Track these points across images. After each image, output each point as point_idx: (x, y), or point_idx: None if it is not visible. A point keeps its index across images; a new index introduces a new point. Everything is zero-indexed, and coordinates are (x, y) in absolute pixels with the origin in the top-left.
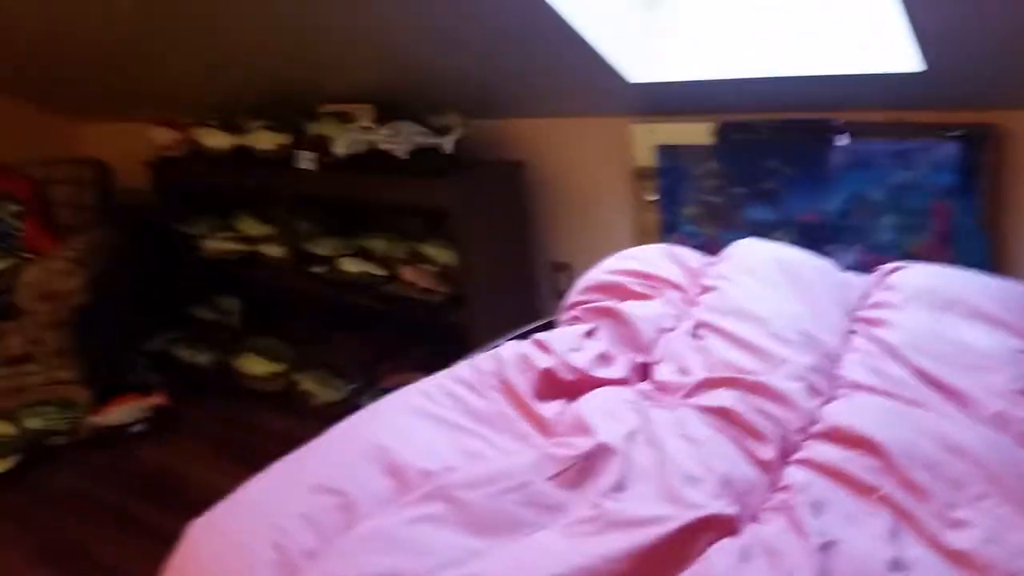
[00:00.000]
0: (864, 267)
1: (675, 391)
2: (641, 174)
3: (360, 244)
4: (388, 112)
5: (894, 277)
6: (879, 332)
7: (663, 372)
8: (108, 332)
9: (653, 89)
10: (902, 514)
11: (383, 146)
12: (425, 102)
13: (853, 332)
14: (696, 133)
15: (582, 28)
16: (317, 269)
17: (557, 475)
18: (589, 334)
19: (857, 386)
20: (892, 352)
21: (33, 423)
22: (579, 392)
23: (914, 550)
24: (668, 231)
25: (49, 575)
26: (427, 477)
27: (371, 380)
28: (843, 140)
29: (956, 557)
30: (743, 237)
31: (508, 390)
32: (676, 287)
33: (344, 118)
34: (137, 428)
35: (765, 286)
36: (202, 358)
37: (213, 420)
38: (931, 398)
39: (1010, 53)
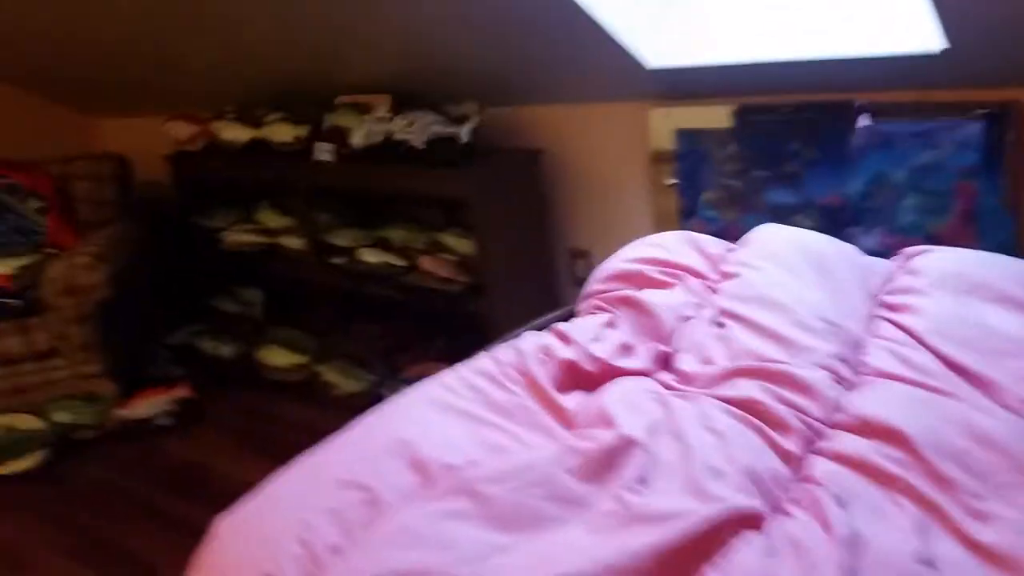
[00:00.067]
0: (887, 250)
1: (698, 381)
2: (660, 159)
3: (379, 235)
4: (405, 102)
5: (918, 261)
6: (904, 318)
7: (685, 362)
8: (132, 325)
9: (671, 73)
10: (929, 506)
11: (400, 136)
12: (442, 91)
13: (877, 318)
14: (715, 117)
15: (599, 13)
16: (337, 260)
17: (579, 468)
18: (610, 324)
19: (882, 374)
20: (917, 339)
21: (60, 417)
22: (601, 383)
23: (942, 543)
24: (687, 216)
25: (77, 567)
26: (450, 471)
27: (392, 370)
28: (865, 121)
29: (984, 550)
30: (764, 221)
31: (529, 382)
32: (697, 274)
33: (361, 109)
34: (162, 421)
35: (787, 272)
36: (225, 350)
37: (237, 412)
38: (957, 386)
39: None
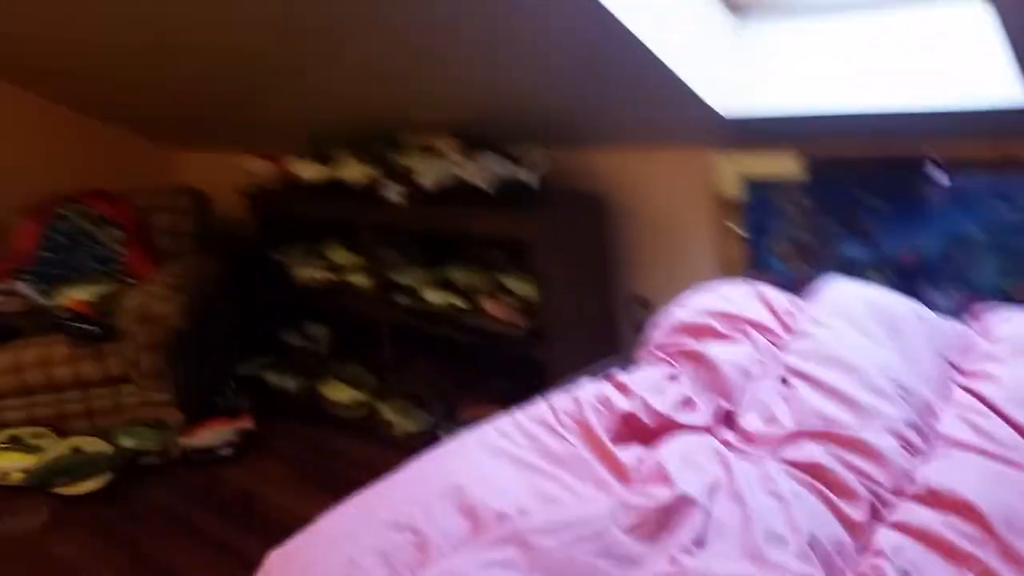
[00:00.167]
0: (963, 310)
1: (761, 442)
2: (727, 207)
3: (443, 275)
4: (472, 143)
5: (998, 327)
6: (980, 385)
7: (749, 421)
8: (202, 356)
9: (741, 120)
10: None
11: (468, 179)
12: (509, 133)
13: (951, 384)
14: (786, 166)
15: (670, 58)
16: (401, 299)
17: (634, 527)
18: (671, 377)
19: (956, 444)
20: (993, 408)
21: (126, 442)
22: (660, 438)
23: None
24: (754, 267)
25: None
26: (501, 519)
27: (449, 411)
28: (943, 176)
29: None
30: (834, 275)
31: (586, 432)
32: (763, 329)
33: (429, 150)
34: (224, 451)
35: (858, 332)
36: (290, 383)
37: (297, 445)
38: None
39: None
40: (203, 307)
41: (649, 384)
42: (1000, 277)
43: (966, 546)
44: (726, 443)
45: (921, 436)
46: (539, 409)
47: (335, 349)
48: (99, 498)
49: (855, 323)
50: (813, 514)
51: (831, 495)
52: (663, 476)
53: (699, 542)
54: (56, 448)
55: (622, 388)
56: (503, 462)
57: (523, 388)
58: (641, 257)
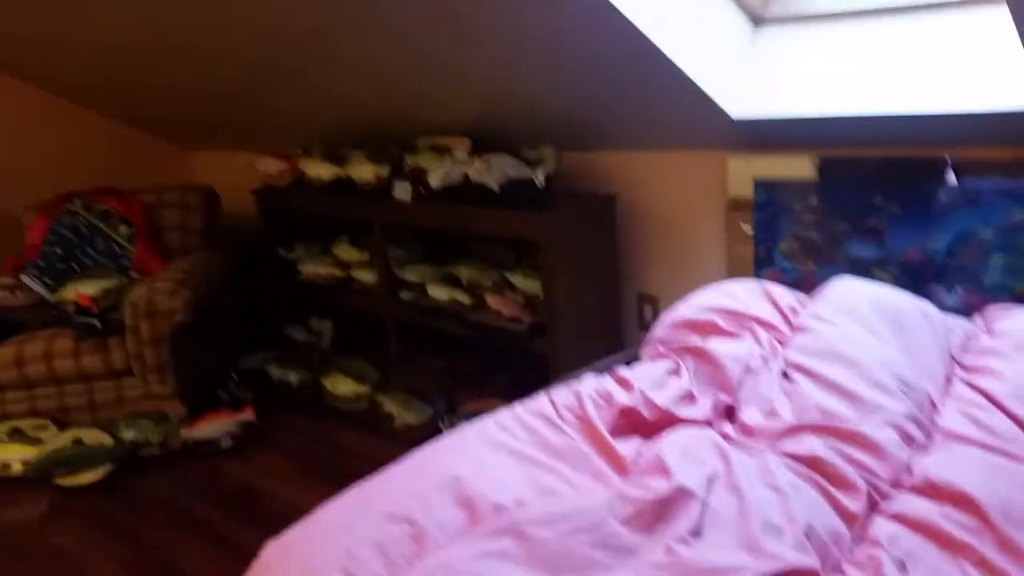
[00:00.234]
0: (969, 308)
1: (761, 435)
2: (736, 207)
3: (448, 271)
4: (483, 144)
5: (1000, 322)
6: (982, 380)
7: (749, 415)
8: (207, 350)
9: (752, 123)
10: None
11: (476, 179)
12: (520, 135)
13: (954, 379)
14: (796, 167)
15: (683, 63)
16: (406, 295)
17: (631, 517)
18: (673, 371)
19: (955, 437)
20: (995, 402)
21: (127, 434)
22: (659, 431)
23: None
24: (762, 266)
25: None
26: (498, 511)
27: (452, 405)
28: (952, 177)
29: None
30: (842, 273)
31: (586, 425)
32: (767, 326)
33: (440, 150)
34: (225, 443)
35: (862, 328)
36: (292, 376)
37: (299, 438)
38: None
39: None
40: (208, 302)
41: (650, 378)
42: (1008, 277)
43: (963, 536)
44: (726, 436)
45: (921, 429)
46: (539, 403)
47: (339, 344)
48: (100, 490)
49: (859, 319)
50: (811, 505)
51: (829, 487)
52: (661, 468)
53: (696, 533)
54: (57, 440)
55: (623, 382)
56: (502, 455)
57: (527, 383)
58: (649, 256)
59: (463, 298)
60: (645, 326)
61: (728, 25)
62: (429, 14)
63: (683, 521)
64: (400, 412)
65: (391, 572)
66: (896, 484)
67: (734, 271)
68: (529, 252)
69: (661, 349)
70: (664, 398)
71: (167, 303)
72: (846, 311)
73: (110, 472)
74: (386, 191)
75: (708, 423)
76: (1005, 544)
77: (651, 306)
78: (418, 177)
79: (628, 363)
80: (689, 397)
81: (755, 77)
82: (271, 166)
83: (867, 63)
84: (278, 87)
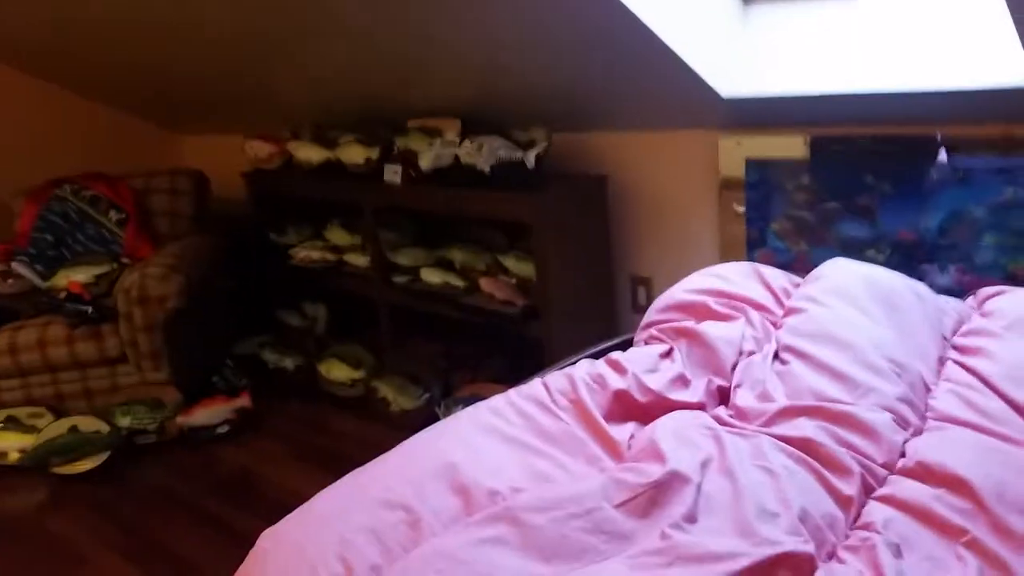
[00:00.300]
0: (962, 288)
1: (754, 418)
2: (729, 187)
3: (441, 255)
4: (474, 126)
5: (993, 303)
6: (975, 362)
7: (742, 397)
8: (200, 335)
9: (744, 102)
10: (992, 561)
11: (467, 160)
12: (511, 116)
13: (947, 361)
14: (788, 146)
15: (672, 42)
16: (399, 279)
17: (626, 502)
18: (666, 355)
19: (948, 419)
20: (988, 383)
21: (123, 421)
22: (653, 415)
23: None
24: (755, 246)
25: (127, 565)
26: (494, 497)
27: (446, 390)
28: (944, 155)
29: None
30: (834, 254)
31: (580, 410)
32: (760, 308)
33: (431, 132)
34: (221, 429)
35: (855, 310)
36: (287, 362)
37: (294, 423)
38: None
39: None
40: (201, 287)
41: (643, 362)
42: (1000, 255)
43: (956, 519)
44: (719, 419)
45: (914, 411)
46: (533, 388)
47: (333, 328)
48: (96, 477)
49: (852, 301)
50: (804, 489)
51: (823, 470)
52: (655, 453)
53: (690, 518)
54: (53, 428)
55: (616, 366)
56: (496, 440)
57: (522, 367)
58: (642, 238)
59: (456, 281)
60: (639, 308)
61: (718, 2)
62: None
63: (677, 506)
64: (395, 397)
65: (386, 559)
66: (890, 467)
67: (727, 252)
68: (522, 235)
69: (654, 332)
70: (657, 382)
71: (159, 289)
72: (839, 292)
73: (106, 459)
74: (377, 174)
75: (702, 406)
76: (998, 527)
77: (644, 288)
78: (408, 160)
79: (623, 348)
80: (682, 380)
81: (745, 55)
82: (261, 149)
83: (858, 40)
84: (268, 67)
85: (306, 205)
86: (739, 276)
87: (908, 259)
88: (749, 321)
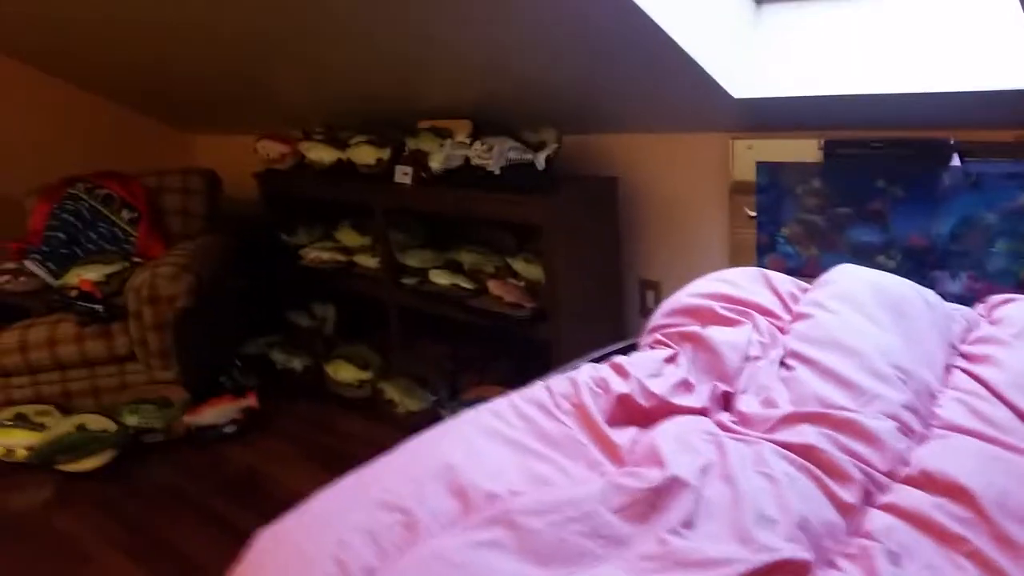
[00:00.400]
0: (973, 296)
1: (757, 424)
2: (739, 191)
3: (450, 257)
4: (485, 127)
5: (1003, 310)
6: (981, 369)
7: (746, 403)
8: (209, 335)
9: (756, 105)
10: (988, 568)
11: (477, 162)
12: (522, 118)
13: (954, 369)
14: (800, 150)
15: (684, 42)
16: (408, 280)
17: (624, 507)
18: (671, 360)
19: (953, 427)
20: (994, 392)
21: (130, 420)
22: (656, 420)
23: None
24: (765, 251)
25: (131, 563)
26: (491, 500)
27: (453, 392)
28: (957, 160)
29: None
30: (844, 260)
31: (582, 414)
32: (767, 313)
33: (442, 133)
34: (228, 429)
35: (862, 316)
36: (295, 362)
37: (301, 424)
38: None
39: None
40: (211, 287)
41: (647, 366)
42: (1012, 262)
43: (957, 528)
44: (722, 425)
45: (919, 419)
46: (536, 391)
47: (341, 329)
48: (103, 475)
49: (860, 307)
50: (805, 496)
51: (824, 477)
52: (656, 458)
53: (688, 523)
54: (60, 426)
55: (620, 370)
56: (496, 443)
57: (529, 370)
58: (652, 241)
59: (465, 283)
60: (647, 312)
61: (730, 3)
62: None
63: (676, 511)
64: (402, 399)
65: (382, 560)
66: (892, 475)
67: (737, 256)
68: (530, 238)
69: (659, 337)
70: (661, 386)
71: (169, 288)
72: (847, 298)
73: (113, 458)
74: (387, 175)
75: (705, 412)
76: (1000, 537)
77: (653, 292)
78: (419, 161)
79: (627, 352)
80: (686, 385)
81: (758, 57)
82: (272, 149)
83: (871, 42)
84: (278, 67)
85: (317, 205)
86: (746, 281)
87: (919, 265)
88: (756, 327)
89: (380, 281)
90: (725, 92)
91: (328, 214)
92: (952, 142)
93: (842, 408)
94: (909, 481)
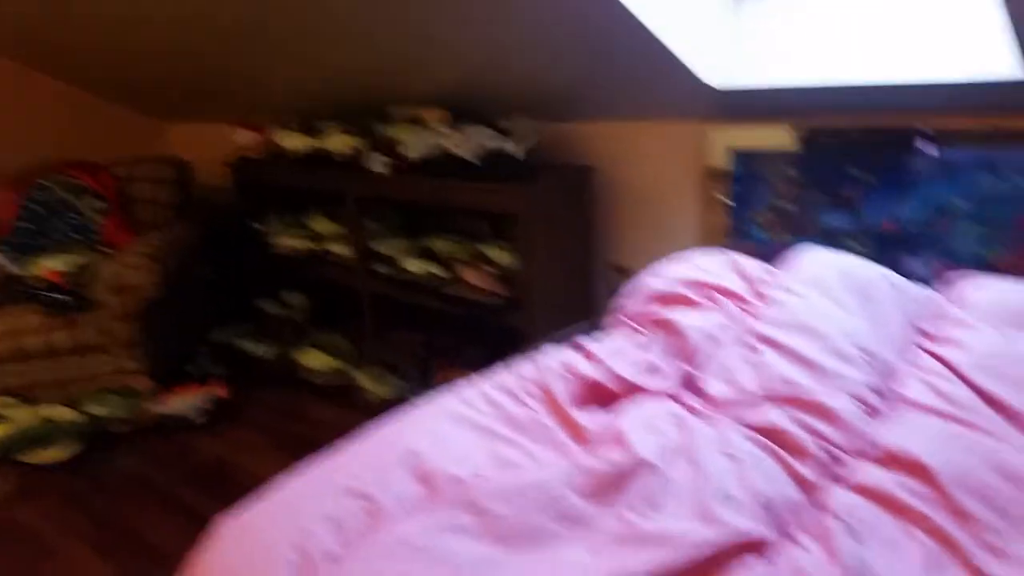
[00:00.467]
0: (940, 278)
1: (723, 406)
2: (713, 177)
3: (423, 244)
4: (461, 116)
5: (968, 293)
6: (944, 350)
7: (712, 386)
8: (177, 324)
9: (732, 93)
10: (944, 541)
11: (453, 150)
12: (498, 106)
13: (917, 349)
14: (774, 137)
15: (660, 32)
16: (381, 268)
17: (588, 488)
18: (638, 343)
19: (914, 405)
20: (956, 372)
21: (95, 410)
22: (623, 403)
23: None
24: (736, 236)
25: (97, 556)
26: (456, 484)
27: (425, 379)
28: (928, 147)
29: None
30: (812, 244)
31: (549, 398)
32: (735, 297)
33: (418, 122)
34: (196, 418)
35: (829, 300)
36: (264, 351)
37: (271, 412)
38: (992, 421)
39: None
40: (179, 276)
41: (615, 351)
42: (982, 247)
43: (916, 504)
44: (690, 408)
45: (881, 399)
46: (503, 376)
47: (315, 318)
48: (69, 467)
49: (827, 291)
50: (767, 475)
51: (787, 456)
52: (620, 440)
53: (651, 503)
54: (25, 417)
55: (588, 355)
56: (463, 428)
57: (502, 357)
58: (626, 228)
59: (439, 271)
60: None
61: None
62: None
63: (640, 492)
64: (374, 386)
65: (345, 547)
66: (854, 453)
67: (709, 242)
68: (504, 225)
69: (627, 321)
70: (627, 369)
71: (137, 278)
72: (814, 282)
73: (79, 449)
74: (361, 163)
75: (671, 394)
76: (958, 512)
77: (627, 279)
78: (394, 149)
79: (593, 334)
80: (653, 368)
81: (734, 46)
82: (246, 138)
83: (847, 32)
84: (253, 54)
85: (291, 194)
86: (714, 265)
87: (890, 250)
88: (722, 310)
89: (354, 269)
90: (701, 81)
91: (301, 203)
92: (924, 130)
93: (805, 388)
94: (871, 459)
